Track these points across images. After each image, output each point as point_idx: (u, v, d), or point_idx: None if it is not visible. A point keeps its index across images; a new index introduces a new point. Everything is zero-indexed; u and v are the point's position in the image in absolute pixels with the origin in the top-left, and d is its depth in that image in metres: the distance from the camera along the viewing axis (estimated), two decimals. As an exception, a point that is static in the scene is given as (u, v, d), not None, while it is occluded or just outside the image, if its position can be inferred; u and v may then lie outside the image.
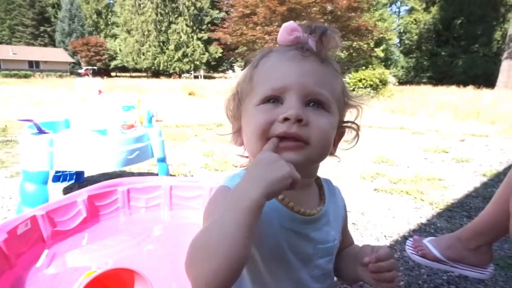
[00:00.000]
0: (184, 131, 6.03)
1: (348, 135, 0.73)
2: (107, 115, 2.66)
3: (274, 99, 0.63)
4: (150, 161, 3.34)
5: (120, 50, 49.46)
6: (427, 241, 1.51)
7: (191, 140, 5.31)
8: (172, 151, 4.45)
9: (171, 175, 3.19)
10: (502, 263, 1.86)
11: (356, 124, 0.72)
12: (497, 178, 3.43)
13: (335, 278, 0.79)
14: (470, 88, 16.66)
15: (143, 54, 46.39)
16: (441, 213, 2.59)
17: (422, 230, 2.30)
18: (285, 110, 0.60)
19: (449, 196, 2.95)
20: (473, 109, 9.14)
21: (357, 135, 0.73)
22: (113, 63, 51.41)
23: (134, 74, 50.01)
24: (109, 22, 54.39)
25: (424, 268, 1.79)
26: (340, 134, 0.72)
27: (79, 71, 38.18)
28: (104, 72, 44.59)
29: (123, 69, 51.56)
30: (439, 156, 4.50)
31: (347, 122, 0.72)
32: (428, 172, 3.65)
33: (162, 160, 2.70)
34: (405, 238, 2.12)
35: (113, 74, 50.67)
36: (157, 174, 2.90)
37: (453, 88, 17.38)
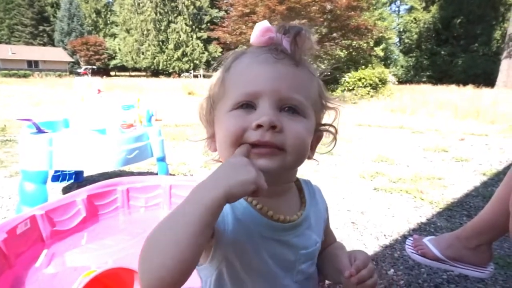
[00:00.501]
0: (184, 130, 6.03)
1: (326, 138, 0.72)
2: (106, 114, 2.66)
3: (246, 105, 0.60)
4: (150, 160, 3.34)
5: (119, 49, 49.44)
6: (427, 240, 1.51)
7: (190, 140, 5.30)
8: (172, 150, 4.45)
9: (170, 174, 3.19)
10: (502, 262, 1.86)
11: (334, 127, 0.70)
12: (497, 178, 3.43)
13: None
14: (469, 87, 16.65)
15: (143, 54, 46.35)
16: (441, 212, 2.59)
17: (422, 229, 2.30)
18: (258, 116, 0.58)
19: (448, 195, 2.95)
20: (472, 109, 9.13)
21: (335, 138, 0.71)
22: (112, 63, 51.36)
23: (133, 74, 49.98)
24: (108, 22, 54.33)
25: (424, 267, 1.79)
26: (317, 138, 0.70)
27: (78, 70, 38.15)
28: (103, 71, 44.53)
29: (123, 68, 51.52)
30: (439, 155, 4.50)
31: (325, 125, 0.70)
32: (427, 171, 3.65)
33: (162, 159, 2.70)
34: (404, 237, 2.12)
35: (112, 73, 50.63)
36: (156, 174, 2.90)
37: (453, 87, 17.36)
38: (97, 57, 46.59)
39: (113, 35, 52.70)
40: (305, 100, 0.62)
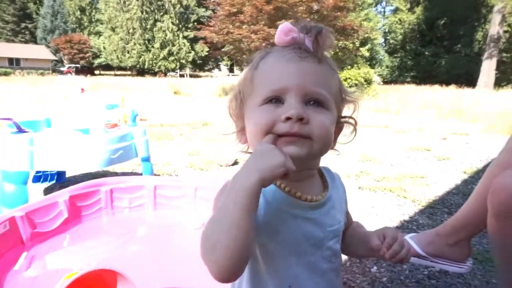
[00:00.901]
0: (169, 130, 5.98)
1: (346, 129, 0.79)
2: (90, 114, 2.62)
3: (275, 99, 0.66)
4: (134, 160, 3.30)
5: (104, 48, 48.64)
6: (408, 238, 1.54)
7: (176, 140, 5.27)
8: (157, 150, 4.41)
9: (155, 174, 3.16)
10: (481, 257, 1.91)
11: (353, 119, 0.78)
12: (477, 175, 3.52)
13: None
14: (452, 87, 17.01)
15: (128, 52, 45.73)
16: (423, 210, 2.64)
17: (405, 227, 2.34)
18: (287, 110, 0.63)
19: (430, 193, 3.01)
20: (455, 108, 9.33)
21: (355, 129, 0.78)
22: (97, 61, 50.52)
23: (118, 73, 49.28)
24: (93, 19, 53.38)
25: (406, 264, 1.82)
26: (339, 129, 0.77)
27: (62, 69, 37.44)
28: (87, 70, 43.76)
29: (107, 67, 50.75)
30: (422, 154, 4.58)
31: (345, 117, 0.77)
32: (411, 170, 3.72)
33: (147, 159, 2.67)
34: (388, 235, 2.15)
35: (96, 72, 49.77)
36: (141, 174, 2.87)
37: (436, 87, 17.70)
38: (81, 55, 45.78)
39: (98, 33, 51.84)
40: (328, 94, 0.68)
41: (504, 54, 29.48)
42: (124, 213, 2.10)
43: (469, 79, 24.81)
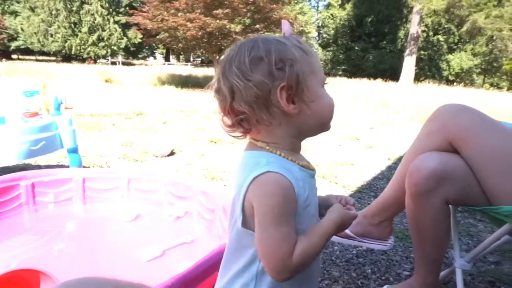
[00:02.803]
0: (100, 120, 5.63)
1: None
2: (5, 101, 2.36)
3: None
4: (61, 152, 3.07)
5: (22, 29, 43.81)
6: (339, 220, 1.63)
7: (108, 130, 4.98)
8: (87, 141, 4.14)
9: (84, 167, 2.96)
10: (401, 235, 2.10)
11: None
12: (399, 161, 3.83)
13: None
14: (379, 81, 18.28)
15: (51, 36, 41.72)
16: (353, 195, 2.83)
17: (336, 210, 2.49)
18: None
19: (359, 179, 3.23)
20: (381, 100, 10.08)
21: None
22: (14, 44, 45.36)
23: (40, 58, 44.84)
24: (8, -3, 47.75)
25: (337, 245, 1.94)
26: None
27: (-29, 51, 33.10)
28: (2, 54, 39.22)
29: (27, 51, 45.82)
30: (352, 143, 4.89)
31: None
32: (342, 158, 3.95)
33: (74, 151, 2.49)
34: (321, 219, 2.27)
35: (14, 56, 44.87)
36: (68, 167, 2.68)
37: (365, 80, 18.88)
38: (-6, 37, 40.84)
39: (14, 13, 46.52)
40: None
41: (422, 52, 32.45)
42: (48, 209, 1.94)
43: (393, 74, 26.83)
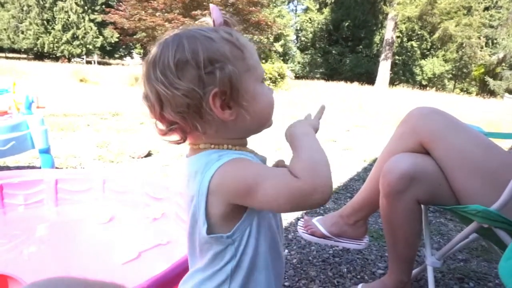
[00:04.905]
0: (74, 120, 5.47)
1: None
2: (-28, 99, 2.26)
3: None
4: (32, 153, 2.97)
5: (-9, 25, 42.10)
6: (315, 220, 1.66)
7: (82, 130, 4.85)
8: (60, 142, 4.01)
9: (57, 168, 2.87)
10: (376, 234, 2.15)
11: None
12: (374, 163, 3.93)
13: None
14: (355, 85, 18.68)
15: (22, 33, 40.20)
16: (329, 196, 2.87)
17: (313, 211, 2.52)
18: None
19: (336, 180, 3.28)
20: (357, 103, 10.29)
21: None
22: (-19, 41, 43.55)
23: (10, 55, 43.12)
24: (-25, -9, 45.75)
25: (314, 245, 1.96)
26: None
27: None
28: (-31, 50, 37.53)
29: (-4, 48, 44.13)
30: (329, 145, 4.96)
31: None
32: (319, 159, 3.99)
33: (46, 151, 2.41)
34: (298, 219, 2.29)
35: (-18, 53, 42.97)
36: (39, 168, 2.59)
37: (342, 83, 19.27)
38: (-40, 32, 38.95)
39: (-18, 8, 44.62)
40: None
41: (397, 57, 33.38)
42: (18, 211, 1.87)
43: (369, 78, 27.47)
